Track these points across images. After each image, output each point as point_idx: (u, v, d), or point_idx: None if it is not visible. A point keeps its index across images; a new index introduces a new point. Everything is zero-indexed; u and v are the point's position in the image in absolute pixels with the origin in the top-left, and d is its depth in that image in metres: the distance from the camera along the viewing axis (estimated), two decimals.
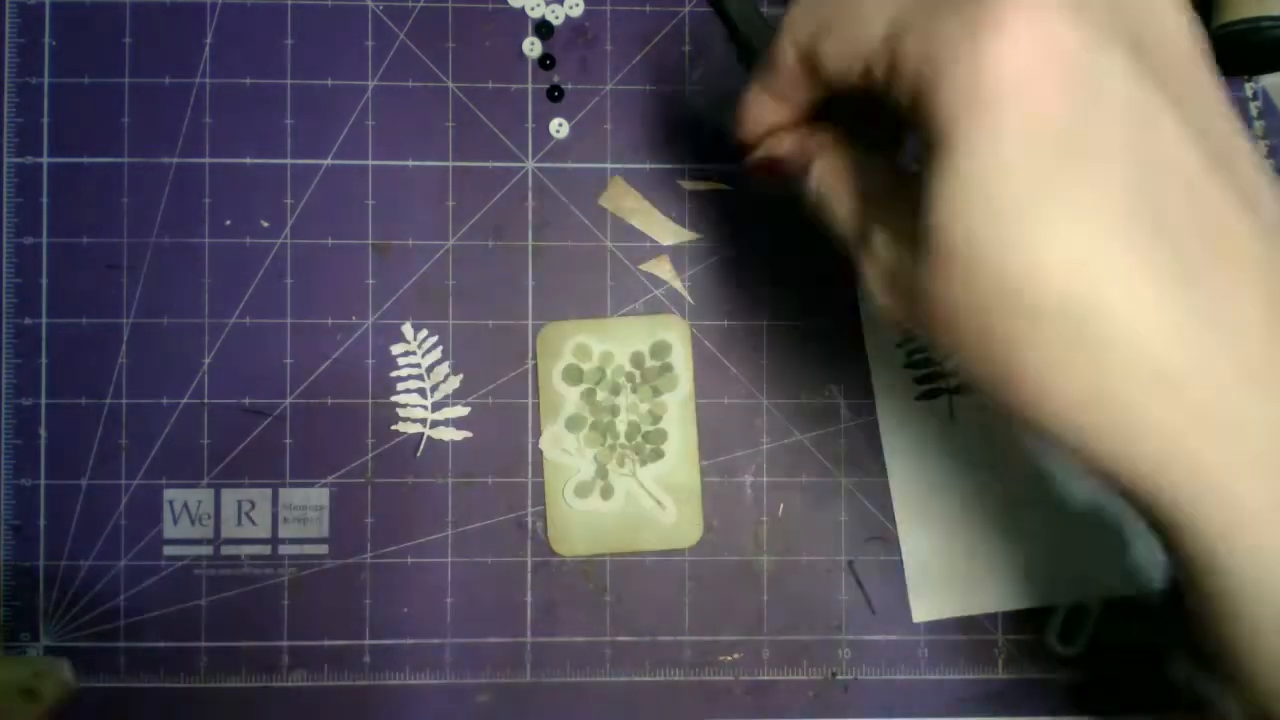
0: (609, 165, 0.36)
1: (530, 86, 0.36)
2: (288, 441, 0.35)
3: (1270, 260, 0.18)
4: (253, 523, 0.35)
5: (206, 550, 0.35)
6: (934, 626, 0.35)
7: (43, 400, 0.35)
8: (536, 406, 0.35)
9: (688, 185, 0.36)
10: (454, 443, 0.35)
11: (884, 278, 0.21)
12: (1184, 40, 0.19)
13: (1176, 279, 0.17)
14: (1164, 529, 0.20)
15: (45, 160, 0.35)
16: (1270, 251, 0.18)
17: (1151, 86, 0.17)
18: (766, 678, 0.35)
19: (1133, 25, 0.18)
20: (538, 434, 0.35)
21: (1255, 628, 0.19)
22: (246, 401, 0.35)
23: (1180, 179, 0.18)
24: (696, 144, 0.36)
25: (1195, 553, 0.19)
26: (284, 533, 0.35)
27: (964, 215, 0.18)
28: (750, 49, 0.35)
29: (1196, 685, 0.23)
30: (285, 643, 0.35)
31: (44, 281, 0.35)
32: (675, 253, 0.36)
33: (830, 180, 0.23)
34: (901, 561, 0.35)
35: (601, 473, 0.35)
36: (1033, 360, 0.18)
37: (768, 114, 0.24)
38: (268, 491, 0.35)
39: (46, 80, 0.35)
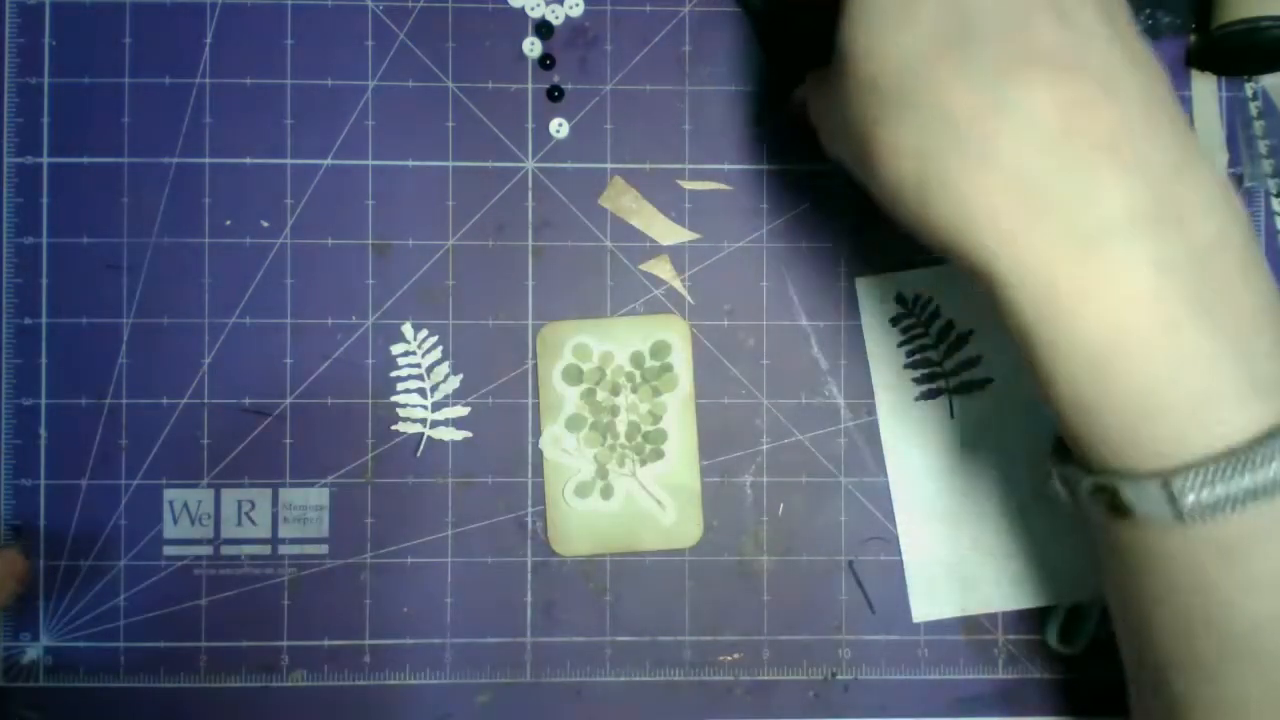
0: (609, 165, 0.36)
1: (530, 86, 0.36)
2: (288, 441, 0.35)
3: (1070, 60, 0.21)
4: (253, 523, 0.35)
5: (206, 550, 0.35)
6: (934, 626, 0.35)
7: (43, 400, 0.35)
8: (536, 406, 0.35)
9: (688, 185, 0.36)
10: (454, 443, 0.35)
11: (825, 124, 0.28)
12: None
13: (983, 71, 0.21)
14: (986, 286, 0.23)
15: (45, 160, 0.35)
16: (1072, 53, 0.22)
17: None
18: (766, 678, 0.35)
19: None
20: (538, 434, 0.35)
21: (1068, 375, 0.22)
22: (246, 401, 0.35)
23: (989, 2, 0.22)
24: (696, 144, 0.36)
25: (1011, 309, 0.22)
26: (284, 533, 0.35)
27: (845, 30, 0.24)
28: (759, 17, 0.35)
29: (1062, 480, 0.25)
30: (285, 643, 0.35)
31: (44, 281, 0.35)
32: (675, 253, 0.36)
33: (810, 88, 0.30)
34: (901, 561, 0.35)
35: (601, 473, 0.35)
36: (884, 138, 0.23)
37: None
38: (268, 491, 0.35)
39: (46, 80, 0.35)
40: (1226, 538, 0.22)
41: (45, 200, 0.35)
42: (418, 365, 0.35)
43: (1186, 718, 0.25)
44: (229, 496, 0.35)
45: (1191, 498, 0.21)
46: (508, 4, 0.35)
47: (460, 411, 0.35)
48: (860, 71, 0.23)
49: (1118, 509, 0.23)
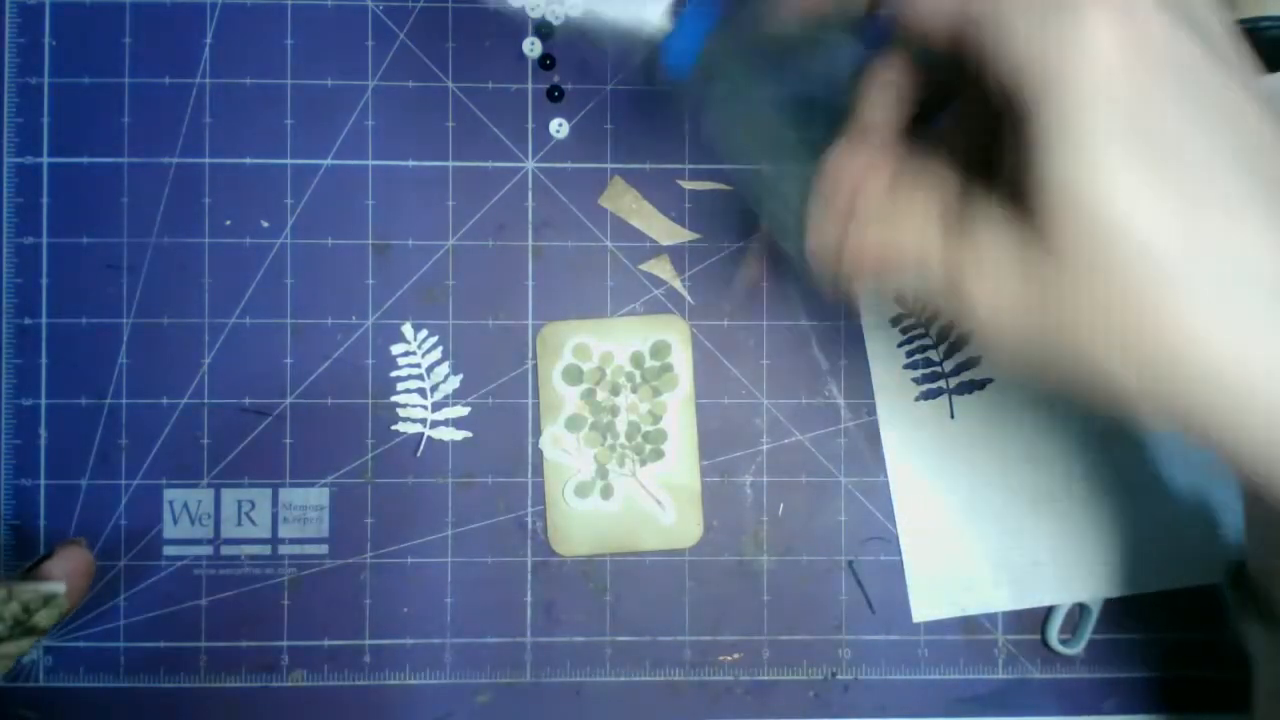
0: (609, 165, 0.36)
1: (530, 86, 0.36)
2: (288, 441, 0.35)
3: None
4: (253, 523, 0.35)
5: (206, 550, 0.35)
6: (934, 626, 0.35)
7: (43, 400, 0.35)
8: (536, 406, 0.35)
9: (688, 185, 0.36)
10: (454, 443, 0.35)
11: (996, 279, 0.20)
12: (1214, 19, 0.20)
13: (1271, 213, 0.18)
14: (1265, 488, 0.19)
15: (45, 160, 0.35)
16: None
17: (1216, 62, 0.18)
18: (766, 678, 0.35)
19: (1189, 12, 0.19)
20: (538, 434, 0.35)
21: None
22: (246, 401, 0.35)
23: (1255, 142, 0.18)
24: (696, 144, 0.36)
25: None
26: (284, 533, 0.35)
27: (1071, 172, 0.18)
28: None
29: (1259, 618, 0.24)
30: (285, 643, 0.35)
31: (44, 281, 0.35)
32: (675, 253, 0.36)
33: (917, 214, 0.22)
34: (901, 561, 0.35)
35: (601, 473, 0.35)
36: (1169, 309, 0.18)
37: (854, 165, 0.23)
38: (268, 491, 0.35)
39: (46, 80, 0.35)
40: None
41: (45, 200, 0.35)
42: (418, 365, 0.35)
43: None
44: (229, 496, 0.35)
45: None
46: (508, 4, 0.35)
47: (460, 411, 0.35)
48: (1133, 234, 0.18)
49: None
